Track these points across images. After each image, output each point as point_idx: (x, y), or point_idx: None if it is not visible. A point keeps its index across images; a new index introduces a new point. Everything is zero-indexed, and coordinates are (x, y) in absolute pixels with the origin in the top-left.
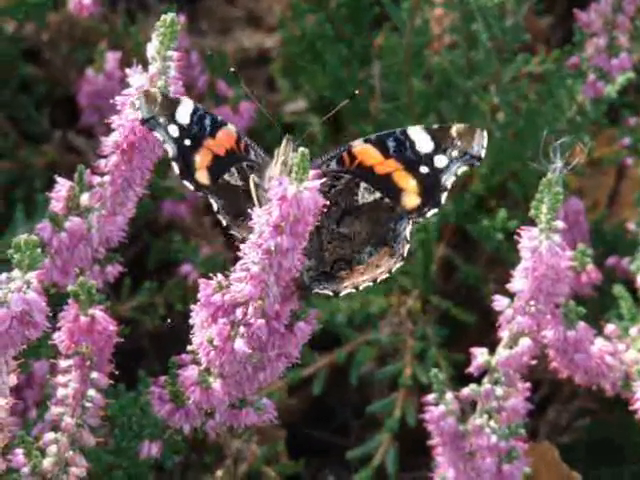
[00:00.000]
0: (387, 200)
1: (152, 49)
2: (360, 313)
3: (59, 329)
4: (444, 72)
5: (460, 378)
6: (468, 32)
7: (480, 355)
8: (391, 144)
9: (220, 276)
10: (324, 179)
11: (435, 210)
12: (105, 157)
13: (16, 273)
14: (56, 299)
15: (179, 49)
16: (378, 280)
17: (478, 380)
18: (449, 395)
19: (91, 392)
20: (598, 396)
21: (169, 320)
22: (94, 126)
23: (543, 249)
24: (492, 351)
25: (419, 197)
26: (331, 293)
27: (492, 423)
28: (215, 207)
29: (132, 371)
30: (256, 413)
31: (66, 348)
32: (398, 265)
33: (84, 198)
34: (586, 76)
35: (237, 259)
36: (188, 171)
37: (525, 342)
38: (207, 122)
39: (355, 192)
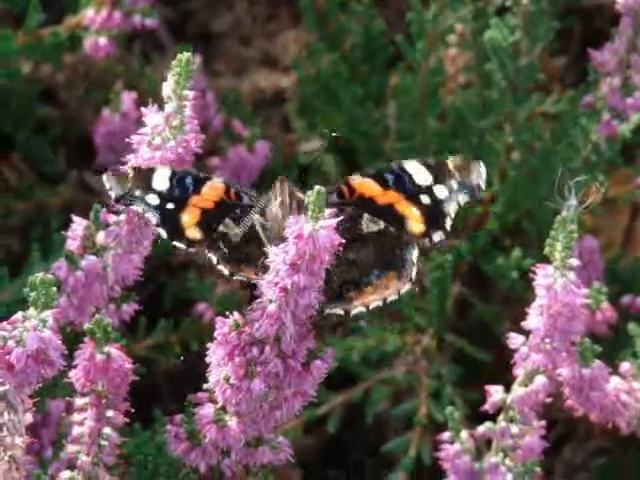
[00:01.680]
0: (392, 229)
1: (168, 88)
2: (375, 351)
3: (75, 367)
4: (458, 111)
5: (475, 416)
6: (482, 72)
7: (495, 393)
8: (389, 177)
9: (236, 314)
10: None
11: (441, 233)
12: None
13: (32, 312)
14: (72, 338)
15: (195, 89)
16: (387, 300)
17: (493, 418)
18: (464, 433)
19: (107, 430)
20: (614, 435)
21: (182, 358)
22: (110, 166)
23: (558, 287)
24: (507, 389)
25: (423, 224)
26: (342, 312)
27: (507, 461)
28: (214, 260)
29: (147, 410)
30: (272, 452)
31: (82, 386)
32: (407, 287)
33: (100, 237)
34: (600, 115)
35: (252, 297)
36: (177, 232)
37: (540, 380)
38: (188, 181)
39: (359, 222)
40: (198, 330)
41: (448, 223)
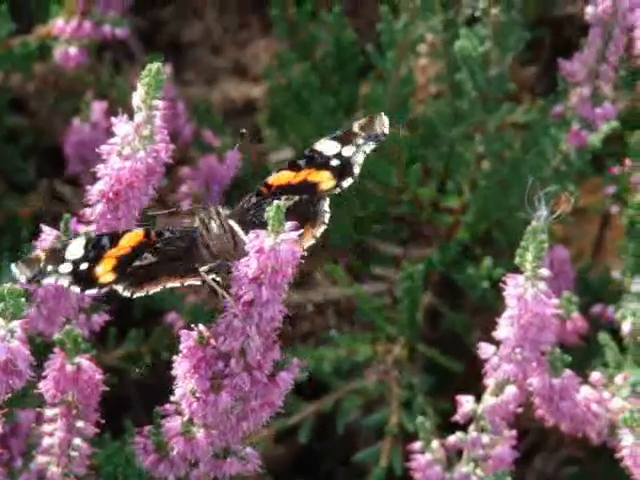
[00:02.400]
0: (306, 195)
1: (138, 98)
2: (346, 361)
3: (45, 378)
4: (429, 121)
5: (446, 426)
6: (453, 81)
7: (466, 403)
8: (301, 162)
9: (201, 327)
10: (250, 212)
11: (350, 180)
12: (91, 206)
13: (0, 322)
14: (42, 348)
15: (165, 99)
16: (305, 246)
17: (464, 428)
18: (435, 443)
19: (77, 441)
20: (584, 444)
21: (151, 368)
22: (80, 176)
23: (528, 296)
24: (478, 399)
25: (334, 179)
26: None
27: (478, 471)
28: (119, 289)
29: (118, 420)
30: (240, 462)
31: (52, 397)
32: (321, 230)
33: None
34: (570, 125)
35: (220, 309)
36: (90, 284)
37: (511, 390)
38: (105, 241)
39: None
40: (168, 340)
41: (356, 170)
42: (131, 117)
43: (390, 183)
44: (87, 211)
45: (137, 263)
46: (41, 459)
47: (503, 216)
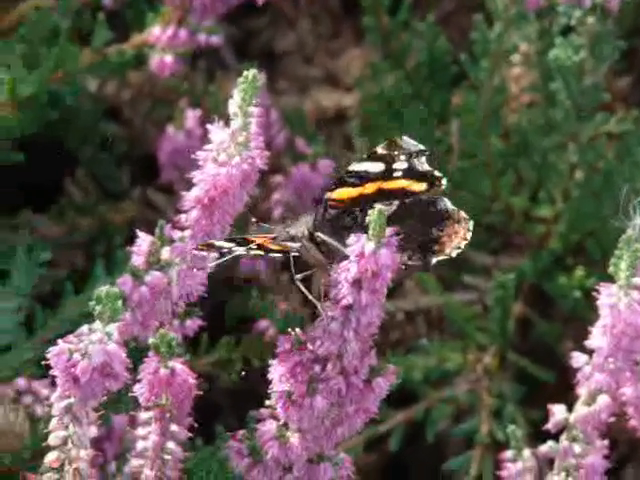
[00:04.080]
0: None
1: (234, 105)
2: (436, 370)
3: (139, 381)
4: (522, 130)
5: (537, 436)
6: (547, 91)
7: (558, 412)
8: (352, 181)
9: (299, 331)
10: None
11: (444, 182)
12: (185, 212)
13: (97, 325)
14: (135, 352)
15: (259, 106)
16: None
17: (555, 437)
18: (527, 452)
19: (170, 445)
20: None
21: (244, 374)
22: (173, 183)
23: (622, 306)
24: (569, 408)
25: (424, 184)
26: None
27: None
28: None
29: (208, 426)
30: (333, 468)
31: (146, 400)
32: (471, 227)
33: (165, 252)
34: None
35: (314, 315)
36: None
37: (603, 399)
38: None
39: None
40: (260, 347)
41: (438, 173)
42: (225, 124)
43: (482, 192)
44: (182, 217)
45: None
46: (135, 462)
47: (596, 226)
